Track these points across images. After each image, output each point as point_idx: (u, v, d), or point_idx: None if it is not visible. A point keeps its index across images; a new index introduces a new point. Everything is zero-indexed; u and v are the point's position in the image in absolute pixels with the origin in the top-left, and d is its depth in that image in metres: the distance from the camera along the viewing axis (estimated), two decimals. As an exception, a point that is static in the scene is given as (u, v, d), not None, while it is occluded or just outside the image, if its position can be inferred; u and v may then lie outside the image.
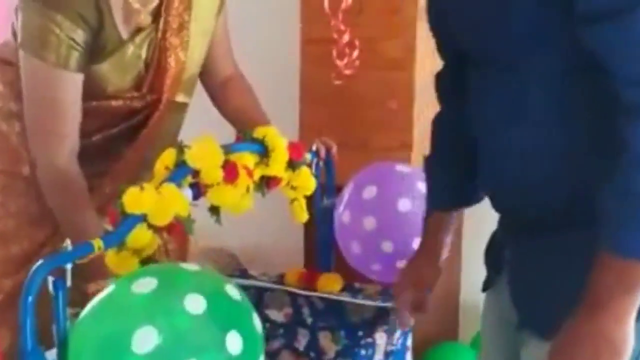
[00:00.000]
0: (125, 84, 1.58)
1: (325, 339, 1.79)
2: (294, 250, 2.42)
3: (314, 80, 2.21)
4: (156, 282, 1.02)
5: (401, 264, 1.67)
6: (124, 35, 1.53)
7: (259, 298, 1.80)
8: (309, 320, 1.80)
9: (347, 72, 2.02)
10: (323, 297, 1.76)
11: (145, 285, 1.02)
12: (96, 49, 1.49)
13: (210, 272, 1.11)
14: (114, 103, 1.60)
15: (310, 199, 1.69)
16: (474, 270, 2.72)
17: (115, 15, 1.50)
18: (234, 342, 1.02)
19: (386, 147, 2.19)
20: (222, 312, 1.03)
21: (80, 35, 1.46)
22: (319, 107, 2.24)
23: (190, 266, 1.09)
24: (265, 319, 1.81)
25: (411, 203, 1.66)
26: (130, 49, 1.54)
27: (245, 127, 1.60)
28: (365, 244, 1.68)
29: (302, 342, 1.81)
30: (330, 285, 1.75)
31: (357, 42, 2.02)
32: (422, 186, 1.70)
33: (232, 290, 1.07)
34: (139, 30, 1.55)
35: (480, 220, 2.66)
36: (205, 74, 1.74)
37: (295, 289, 1.76)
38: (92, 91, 1.53)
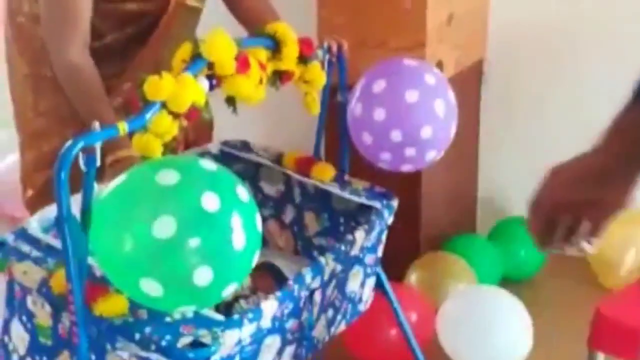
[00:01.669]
0: None
1: (309, 218, 1.94)
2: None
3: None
4: (178, 177, 1.14)
5: (410, 151, 1.79)
6: None
7: (255, 171, 1.94)
8: (298, 199, 1.94)
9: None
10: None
11: (169, 177, 1.14)
12: None
13: (225, 172, 1.22)
14: (128, 6, 1.70)
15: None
16: (490, 164, 2.85)
17: None
18: (238, 239, 1.15)
19: (402, 46, 2.27)
20: (230, 209, 1.15)
21: None
22: (336, 8, 2.32)
23: (209, 164, 1.21)
24: (258, 190, 1.97)
25: (418, 94, 1.75)
26: None
27: (257, 27, 1.68)
28: (376, 134, 1.78)
29: (288, 216, 1.97)
30: (323, 174, 1.85)
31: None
32: (428, 78, 1.80)
33: (243, 192, 1.19)
34: None
35: (499, 112, 2.77)
36: None
37: (290, 172, 1.88)
38: None
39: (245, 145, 1.95)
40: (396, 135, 1.76)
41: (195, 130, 1.85)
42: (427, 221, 2.50)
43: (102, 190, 1.19)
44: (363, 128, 1.81)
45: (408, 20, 2.25)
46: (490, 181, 2.88)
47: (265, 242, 1.98)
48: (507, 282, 2.54)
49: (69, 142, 1.16)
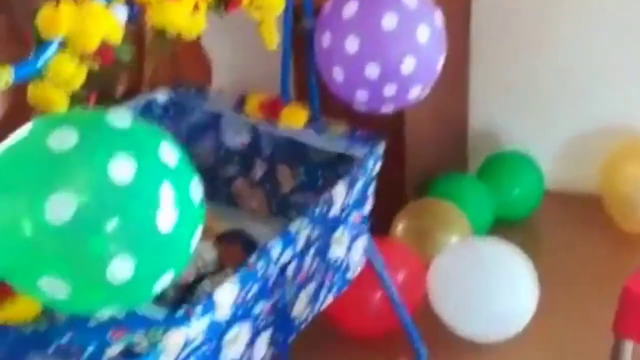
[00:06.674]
0: None
1: (282, 173, 1.66)
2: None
3: None
4: (77, 137, 0.85)
5: (390, 89, 1.49)
6: None
7: (216, 122, 1.65)
8: (268, 151, 1.66)
9: None
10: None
11: (65, 139, 0.85)
12: None
13: (144, 128, 0.93)
14: None
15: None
16: (481, 96, 2.54)
17: None
18: (165, 216, 0.88)
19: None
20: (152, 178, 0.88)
21: None
22: None
23: (120, 118, 0.91)
24: (220, 145, 1.68)
25: (397, 19, 1.44)
26: None
27: None
28: (349, 69, 1.49)
29: (258, 172, 1.69)
30: (294, 118, 1.58)
31: None
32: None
33: (169, 153, 0.91)
34: None
35: (490, 41, 2.46)
36: None
37: (256, 120, 1.60)
38: None
39: (200, 91, 1.65)
40: (373, 70, 1.46)
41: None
42: (412, 163, 2.21)
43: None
44: (333, 62, 1.51)
45: None
46: (482, 115, 2.58)
47: (235, 204, 1.71)
48: (500, 225, 2.25)
49: None
